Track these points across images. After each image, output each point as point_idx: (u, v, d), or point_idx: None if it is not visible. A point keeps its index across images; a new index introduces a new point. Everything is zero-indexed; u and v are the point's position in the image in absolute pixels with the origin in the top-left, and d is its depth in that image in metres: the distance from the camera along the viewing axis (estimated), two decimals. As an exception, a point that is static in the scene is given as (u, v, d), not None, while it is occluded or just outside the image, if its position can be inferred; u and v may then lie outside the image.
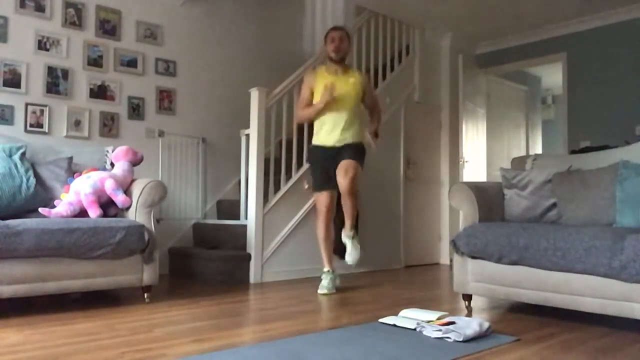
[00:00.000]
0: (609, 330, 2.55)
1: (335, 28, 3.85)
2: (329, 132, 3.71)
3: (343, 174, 3.60)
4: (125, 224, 3.06)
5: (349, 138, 3.70)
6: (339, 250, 3.92)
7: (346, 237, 3.78)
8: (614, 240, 2.42)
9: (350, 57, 4.55)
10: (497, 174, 4.20)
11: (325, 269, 3.73)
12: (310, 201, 4.32)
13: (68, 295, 3.25)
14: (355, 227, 3.83)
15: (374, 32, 5.26)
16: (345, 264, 3.83)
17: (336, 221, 3.88)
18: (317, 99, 3.72)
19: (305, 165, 4.36)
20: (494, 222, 3.10)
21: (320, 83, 3.72)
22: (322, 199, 3.75)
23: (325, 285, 3.63)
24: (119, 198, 3.24)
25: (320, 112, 3.71)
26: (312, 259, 4.30)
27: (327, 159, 3.70)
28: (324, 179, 3.73)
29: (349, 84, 3.73)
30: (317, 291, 3.61)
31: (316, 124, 3.79)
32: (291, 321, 2.71)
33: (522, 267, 2.76)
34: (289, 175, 4.42)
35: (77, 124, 4.21)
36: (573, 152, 5.47)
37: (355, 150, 3.70)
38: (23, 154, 3.24)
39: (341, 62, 3.79)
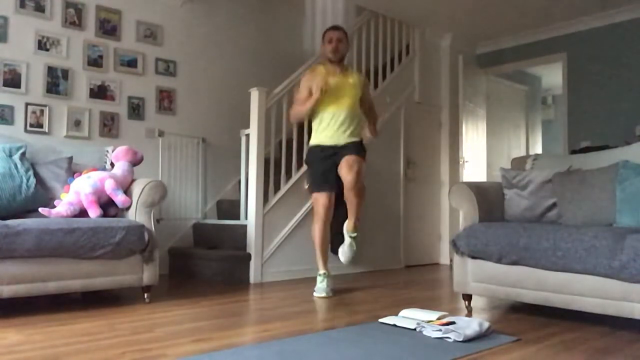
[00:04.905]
0: (609, 330, 2.55)
1: (333, 28, 3.81)
2: (328, 131, 3.67)
3: (347, 169, 3.51)
4: (125, 224, 3.06)
5: (349, 136, 3.67)
6: (335, 244, 3.88)
7: (347, 235, 3.71)
8: (614, 240, 2.42)
9: (350, 57, 4.54)
10: (497, 174, 4.20)
11: (321, 272, 3.64)
12: (310, 202, 4.31)
13: (68, 295, 3.25)
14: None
15: (374, 32, 5.26)
16: (341, 262, 3.80)
17: (333, 220, 3.82)
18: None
19: (305, 166, 4.35)
20: (494, 222, 3.10)
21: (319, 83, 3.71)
22: (320, 199, 3.65)
23: (322, 288, 3.55)
24: (119, 198, 3.24)
25: (317, 110, 3.67)
26: (312, 259, 4.28)
27: (326, 158, 3.65)
28: (323, 179, 3.66)
29: (348, 84, 3.71)
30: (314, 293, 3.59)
31: (314, 124, 3.75)
32: (291, 321, 2.71)
33: (522, 267, 2.76)
34: (289, 176, 4.42)
35: (77, 124, 4.21)
36: (573, 152, 5.47)
37: (357, 148, 3.67)
38: (23, 154, 3.24)
39: (339, 62, 3.76)
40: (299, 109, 3.74)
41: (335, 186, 3.64)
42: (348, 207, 3.64)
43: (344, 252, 3.72)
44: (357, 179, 3.50)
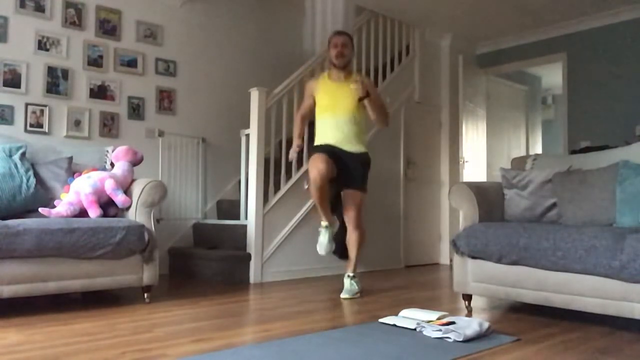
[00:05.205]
0: (609, 330, 2.55)
1: (338, 33, 3.78)
2: (328, 138, 3.62)
3: (350, 208, 3.61)
4: (125, 224, 3.06)
5: (352, 144, 3.61)
6: (339, 250, 3.88)
7: (346, 277, 3.61)
8: (614, 240, 2.42)
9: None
10: (497, 174, 4.20)
11: (323, 224, 3.59)
12: (310, 201, 4.31)
13: (68, 295, 3.25)
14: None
15: (374, 32, 5.26)
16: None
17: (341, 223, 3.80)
18: (320, 106, 3.68)
19: (305, 166, 4.35)
20: (494, 222, 3.10)
21: (322, 90, 3.69)
22: (317, 161, 3.41)
23: (323, 243, 3.58)
24: (119, 198, 3.24)
25: (317, 117, 3.69)
26: (312, 259, 4.30)
27: (331, 151, 3.55)
28: (325, 150, 3.53)
29: (348, 90, 3.63)
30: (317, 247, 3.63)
31: (316, 130, 3.73)
32: (291, 321, 2.71)
33: (522, 267, 2.76)
34: (289, 176, 4.42)
35: (77, 124, 4.21)
36: (573, 152, 5.47)
37: (360, 171, 3.64)
38: (23, 154, 3.24)
39: (344, 67, 3.71)
40: (294, 127, 3.85)
41: (336, 168, 3.53)
42: (349, 246, 3.68)
43: (346, 291, 3.56)
44: (358, 219, 3.64)
